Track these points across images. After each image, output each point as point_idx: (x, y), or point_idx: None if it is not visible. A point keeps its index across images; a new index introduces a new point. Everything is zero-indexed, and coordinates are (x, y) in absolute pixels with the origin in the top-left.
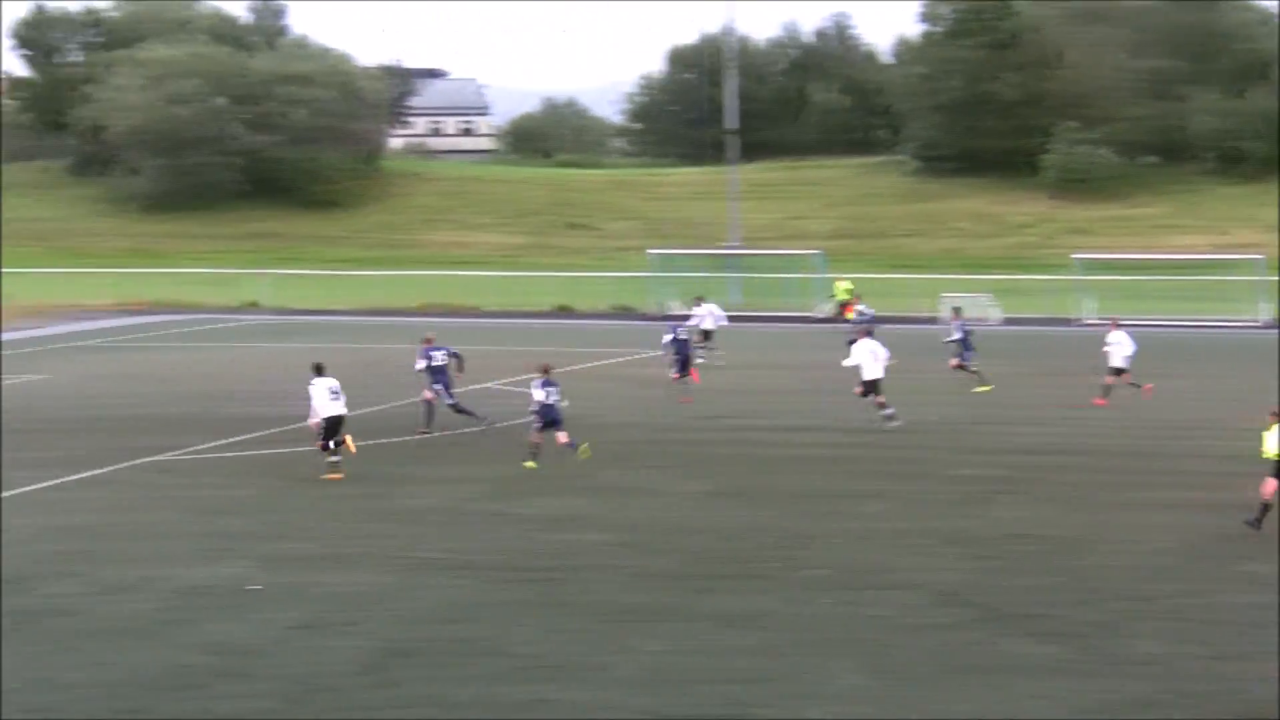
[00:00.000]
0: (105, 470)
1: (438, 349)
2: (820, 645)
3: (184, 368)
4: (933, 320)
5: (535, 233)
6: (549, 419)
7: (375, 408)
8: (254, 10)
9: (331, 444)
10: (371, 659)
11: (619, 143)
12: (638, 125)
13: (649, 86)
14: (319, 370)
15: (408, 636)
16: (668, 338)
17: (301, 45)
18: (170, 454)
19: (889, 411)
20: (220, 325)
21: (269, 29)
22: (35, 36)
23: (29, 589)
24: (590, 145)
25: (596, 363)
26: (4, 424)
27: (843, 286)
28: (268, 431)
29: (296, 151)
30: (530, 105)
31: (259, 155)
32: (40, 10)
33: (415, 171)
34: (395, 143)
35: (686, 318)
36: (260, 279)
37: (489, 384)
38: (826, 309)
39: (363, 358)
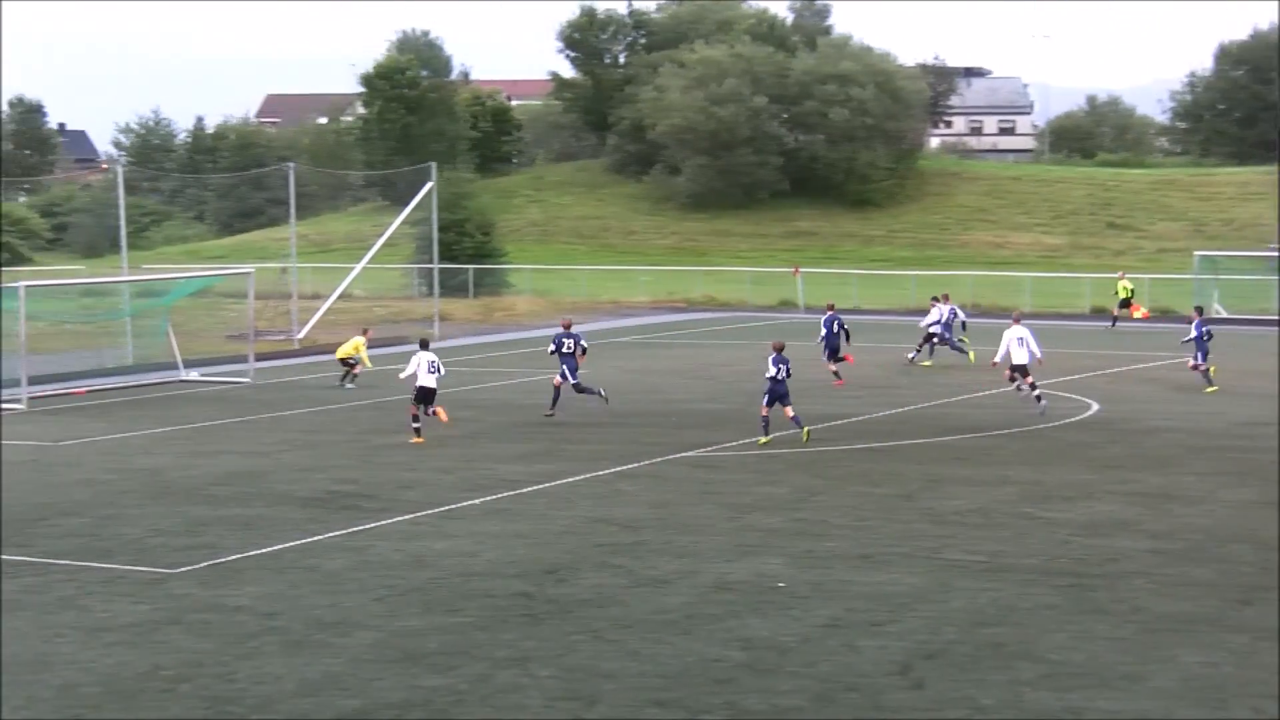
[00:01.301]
0: (644, 464)
1: (570, 335)
2: None
3: (719, 365)
4: None
5: (1075, 233)
6: (776, 394)
7: (905, 408)
8: (796, 10)
9: (424, 412)
10: (900, 660)
11: (1162, 142)
12: (1182, 124)
13: (1195, 84)
14: (423, 345)
15: (936, 638)
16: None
17: (842, 45)
18: (707, 449)
19: (1038, 393)
20: (757, 323)
21: (810, 28)
22: (583, 39)
23: (568, 579)
24: (1133, 144)
25: (1135, 365)
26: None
27: (1123, 285)
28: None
29: (835, 150)
30: (1072, 104)
31: (797, 154)
32: (588, 14)
33: (953, 170)
34: (932, 142)
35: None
36: (793, 278)
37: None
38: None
39: (893, 358)
